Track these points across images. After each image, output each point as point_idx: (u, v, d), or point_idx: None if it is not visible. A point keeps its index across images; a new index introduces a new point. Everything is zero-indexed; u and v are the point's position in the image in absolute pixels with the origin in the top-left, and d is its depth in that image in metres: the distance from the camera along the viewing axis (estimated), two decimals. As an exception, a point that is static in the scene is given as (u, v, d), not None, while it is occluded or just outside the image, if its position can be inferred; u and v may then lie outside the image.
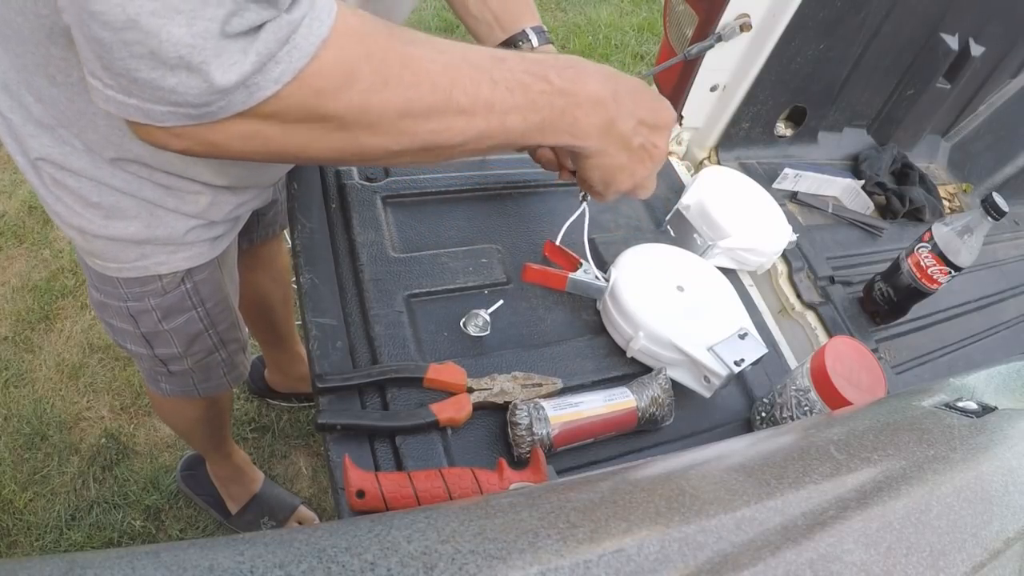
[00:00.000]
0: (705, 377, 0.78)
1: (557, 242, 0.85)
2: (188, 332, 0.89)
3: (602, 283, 0.83)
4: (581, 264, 0.83)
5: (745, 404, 0.85)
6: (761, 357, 0.78)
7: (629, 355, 0.81)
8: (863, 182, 1.32)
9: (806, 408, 0.76)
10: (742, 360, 0.76)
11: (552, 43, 0.82)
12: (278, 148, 0.50)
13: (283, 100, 0.46)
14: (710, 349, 0.77)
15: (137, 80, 0.43)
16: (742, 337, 0.79)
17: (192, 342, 0.91)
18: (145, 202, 0.71)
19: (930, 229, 1.01)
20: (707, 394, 0.79)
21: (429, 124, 0.52)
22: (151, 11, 0.40)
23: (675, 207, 1.00)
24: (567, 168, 0.77)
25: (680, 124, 1.21)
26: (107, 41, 0.42)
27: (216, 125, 0.47)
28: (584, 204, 0.82)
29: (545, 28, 0.82)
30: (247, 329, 1.13)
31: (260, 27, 0.44)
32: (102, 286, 0.82)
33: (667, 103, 0.70)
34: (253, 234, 1.14)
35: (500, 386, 0.72)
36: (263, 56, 0.44)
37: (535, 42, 0.80)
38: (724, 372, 0.75)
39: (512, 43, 0.80)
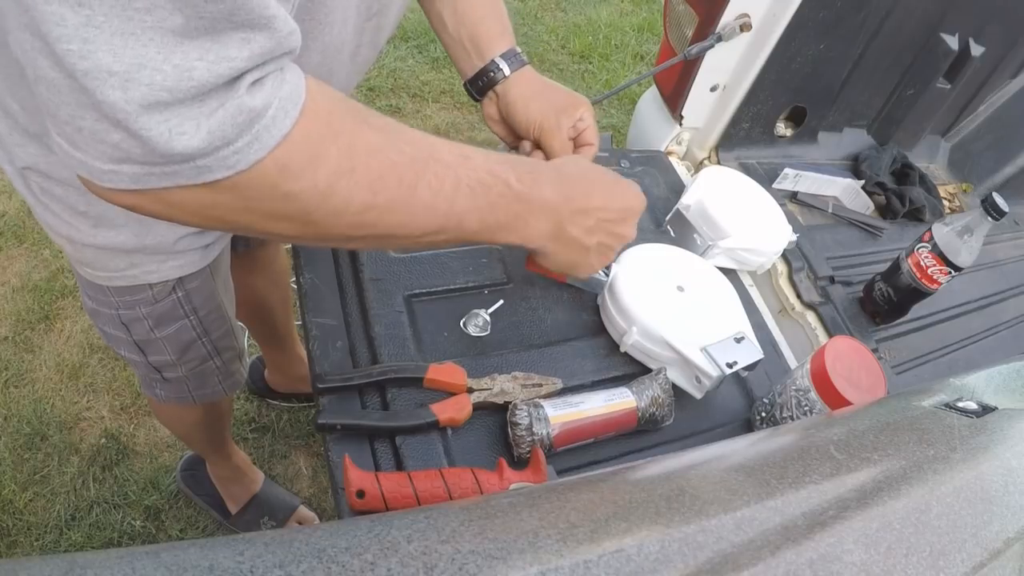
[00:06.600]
0: (696, 377, 0.77)
1: None
2: (181, 340, 0.88)
3: (603, 277, 0.83)
4: None
5: (745, 404, 0.85)
6: (756, 362, 0.78)
7: (622, 350, 0.81)
8: (863, 182, 1.32)
9: (806, 408, 0.76)
10: (735, 362, 0.75)
11: (526, 62, 0.81)
12: (236, 222, 0.47)
13: (242, 177, 0.43)
14: (703, 349, 0.76)
15: (82, 130, 0.39)
16: (738, 341, 0.78)
17: (185, 350, 0.90)
18: None
19: (930, 229, 1.01)
20: (698, 395, 0.79)
21: (391, 217, 0.51)
22: (84, 71, 0.36)
23: (675, 207, 1.00)
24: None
25: (680, 124, 1.21)
26: (56, 82, 0.37)
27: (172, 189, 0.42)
28: None
29: (518, 50, 0.81)
30: (245, 335, 1.13)
31: (220, 100, 0.40)
32: (94, 294, 0.81)
33: (634, 190, 0.71)
34: (249, 237, 1.13)
35: (500, 386, 0.72)
36: (216, 138, 0.40)
37: (506, 71, 0.79)
38: (715, 373, 0.75)
39: (485, 73, 0.79)
